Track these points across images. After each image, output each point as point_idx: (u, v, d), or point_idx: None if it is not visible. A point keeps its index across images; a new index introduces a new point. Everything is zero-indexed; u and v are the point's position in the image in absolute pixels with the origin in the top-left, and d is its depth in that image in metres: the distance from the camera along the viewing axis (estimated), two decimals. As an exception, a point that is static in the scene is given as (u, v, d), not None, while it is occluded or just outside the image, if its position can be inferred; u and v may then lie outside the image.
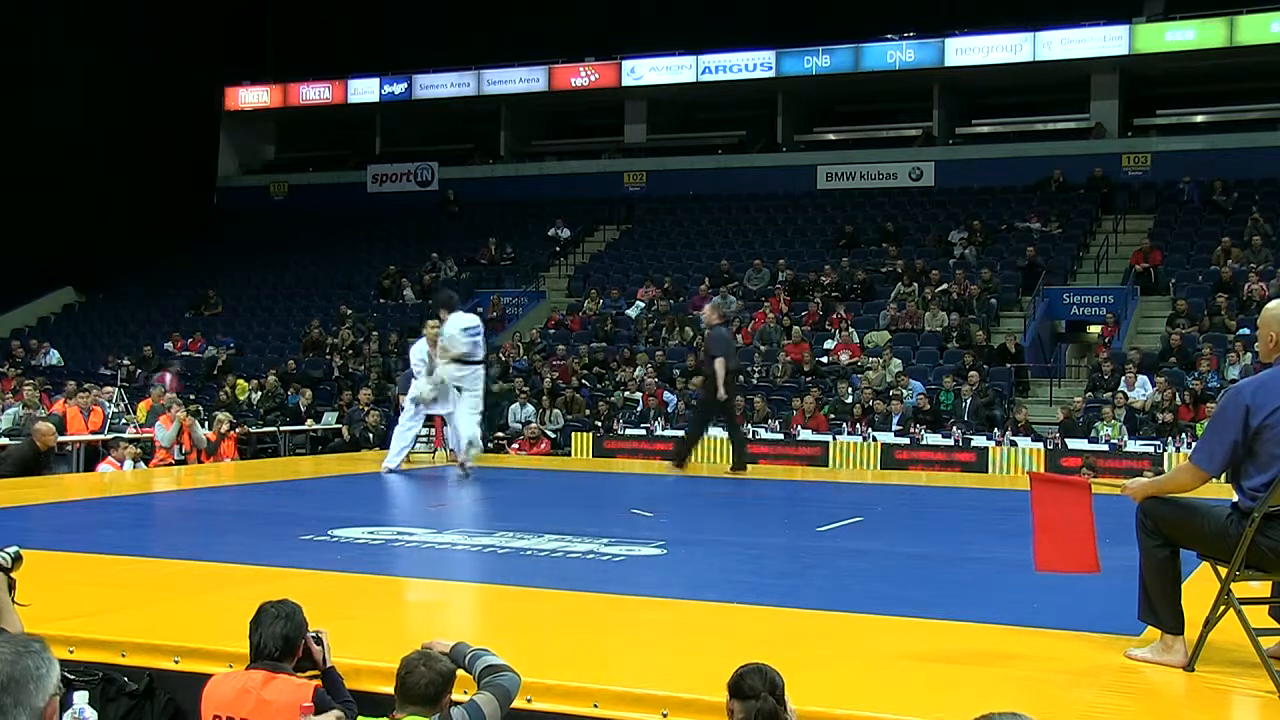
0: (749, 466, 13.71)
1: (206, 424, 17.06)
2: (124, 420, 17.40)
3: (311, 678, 4.55)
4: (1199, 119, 28.08)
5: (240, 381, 22.70)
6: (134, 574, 6.93)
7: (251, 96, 34.17)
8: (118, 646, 5.14)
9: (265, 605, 4.49)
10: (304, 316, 26.89)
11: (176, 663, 5.02)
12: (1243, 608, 4.74)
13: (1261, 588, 5.06)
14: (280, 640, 4.38)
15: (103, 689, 4.93)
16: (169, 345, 26.09)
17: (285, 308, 28.31)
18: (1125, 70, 27.42)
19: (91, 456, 16.23)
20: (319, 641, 4.63)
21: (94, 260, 29.48)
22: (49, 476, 12.54)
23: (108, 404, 17.37)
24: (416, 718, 4.09)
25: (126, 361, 23.91)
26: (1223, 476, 4.97)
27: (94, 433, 16.50)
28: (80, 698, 4.62)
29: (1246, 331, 18.86)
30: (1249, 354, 17.99)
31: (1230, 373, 18.10)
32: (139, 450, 15.51)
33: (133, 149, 28.75)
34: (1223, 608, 4.78)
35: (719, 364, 12.84)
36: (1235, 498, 4.82)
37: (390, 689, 4.61)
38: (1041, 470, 16.21)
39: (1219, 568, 4.83)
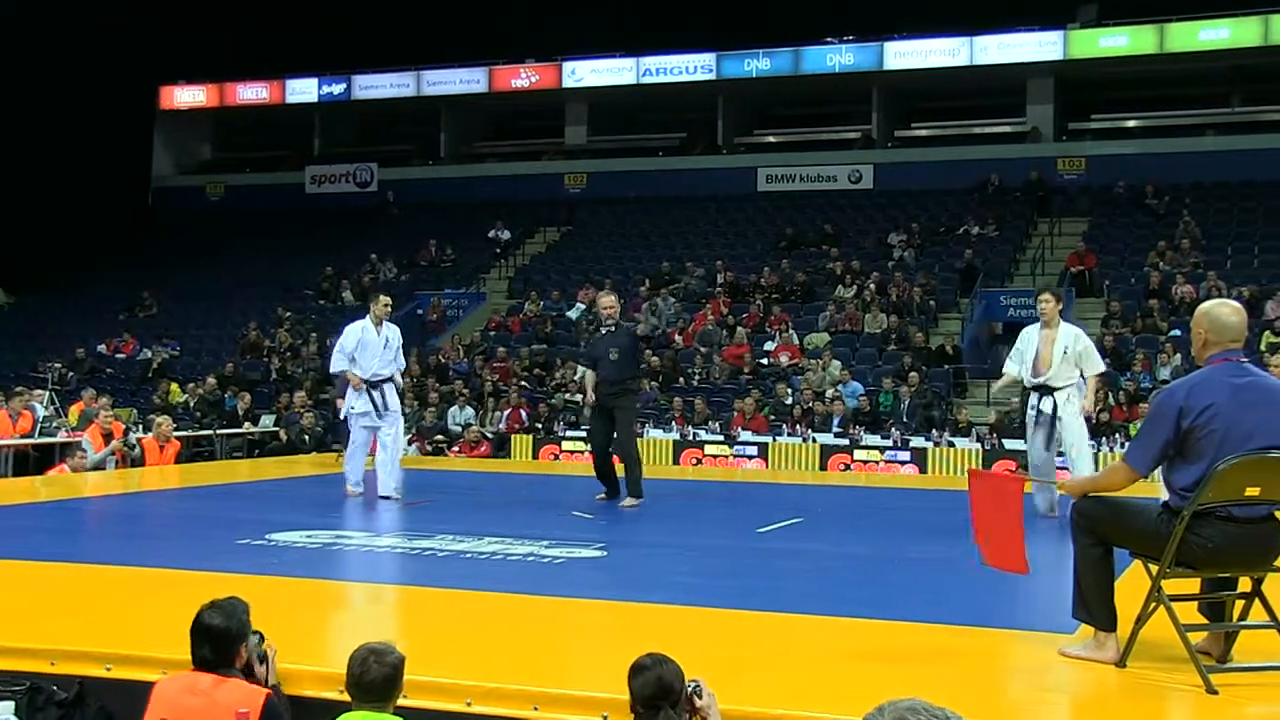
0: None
1: (140, 427, 16.70)
2: (55, 424, 17.08)
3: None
4: (1131, 124, 28.53)
5: (174, 385, 22.39)
6: (65, 580, 6.81)
7: (187, 96, 33.74)
8: (47, 655, 5.04)
9: (203, 608, 4.36)
10: (241, 319, 26.57)
11: (108, 670, 4.93)
12: (1173, 604, 4.81)
13: (1191, 584, 5.14)
14: (210, 648, 4.26)
15: (30, 698, 4.83)
16: (101, 348, 25.70)
17: (222, 310, 27.95)
18: (1060, 75, 27.82)
19: (21, 461, 15.91)
20: (264, 660, 4.54)
21: (24, 261, 28.91)
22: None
23: (39, 407, 17.04)
24: (372, 714, 4.08)
25: (58, 364, 23.51)
26: (1151, 476, 5.05)
27: (24, 436, 16.19)
28: (5, 708, 4.54)
29: (1177, 333, 19.18)
30: (1179, 355, 18.30)
31: (1162, 374, 18.39)
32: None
33: (64, 147, 28.24)
34: (1154, 605, 4.86)
35: None
36: (1165, 496, 4.90)
37: (328, 693, 4.58)
38: (980, 468, 16.37)
39: (1150, 565, 4.91)
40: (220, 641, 4.28)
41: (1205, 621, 5.10)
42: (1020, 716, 4.74)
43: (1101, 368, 9.97)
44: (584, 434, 18.43)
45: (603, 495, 11.04)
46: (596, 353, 11.22)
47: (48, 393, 18.15)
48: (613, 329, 11.08)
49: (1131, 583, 5.26)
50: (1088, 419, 10.34)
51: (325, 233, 30.07)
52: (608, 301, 11.39)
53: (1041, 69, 27.50)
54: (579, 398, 20.07)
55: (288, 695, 4.59)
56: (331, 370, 11.86)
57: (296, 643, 5.04)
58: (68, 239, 29.44)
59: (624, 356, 10.90)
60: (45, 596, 6.33)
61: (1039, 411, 9.73)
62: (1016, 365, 10.00)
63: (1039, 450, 9.78)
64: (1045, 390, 9.68)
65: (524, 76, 30.82)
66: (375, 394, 11.01)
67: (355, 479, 11.11)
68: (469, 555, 7.68)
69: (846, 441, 17.43)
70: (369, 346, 11.06)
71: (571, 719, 4.48)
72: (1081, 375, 9.90)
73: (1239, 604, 5.04)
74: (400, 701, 4.30)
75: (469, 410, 20.07)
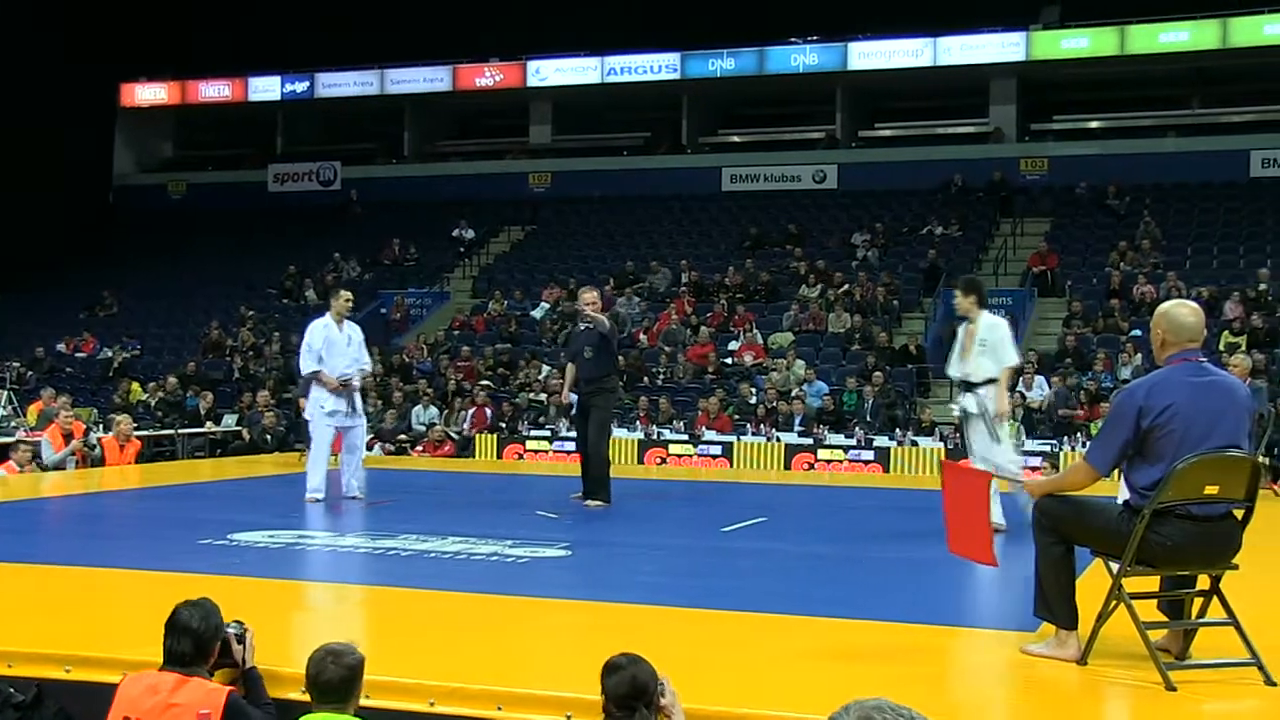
0: None
1: (100, 427, 16.53)
2: (13, 424, 16.90)
3: (230, 680, 4.46)
4: (1093, 125, 28.77)
5: (135, 385, 22.19)
6: (24, 581, 6.74)
7: (149, 93, 33.40)
8: (4, 657, 4.98)
9: (180, 605, 4.38)
10: (204, 318, 26.37)
11: (68, 672, 4.89)
12: (1133, 602, 4.86)
13: (1151, 583, 5.19)
14: (189, 643, 4.28)
15: (-14, 701, 4.78)
16: (61, 347, 25.45)
17: (184, 309, 27.73)
18: (1023, 76, 28.02)
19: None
20: (240, 640, 4.52)
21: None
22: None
23: (-3, 407, 16.88)
24: (332, 714, 4.08)
25: (16, 364, 23.25)
26: (1114, 474, 5.09)
27: (-19, 436, 16.01)
28: (-37, 711, 4.48)
29: (1138, 333, 19.36)
30: (1140, 354, 18.46)
31: (1123, 373, 18.54)
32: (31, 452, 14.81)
33: (24, 145, 27.91)
34: (1114, 603, 4.90)
35: None
36: (1125, 495, 4.94)
37: (291, 694, 4.55)
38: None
39: (1111, 564, 4.94)
40: (199, 639, 4.30)
41: (1165, 619, 5.14)
42: (983, 714, 4.78)
43: (1013, 360, 8.94)
44: (548, 433, 18.46)
45: (578, 495, 10.88)
46: (574, 349, 11.20)
47: (6, 392, 17.99)
48: (590, 325, 10.86)
49: (1092, 581, 5.30)
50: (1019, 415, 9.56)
51: (288, 231, 29.88)
52: (589, 297, 11.12)
53: (1004, 70, 27.68)
54: (544, 397, 20.09)
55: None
56: (302, 371, 11.24)
57: (258, 643, 5.00)
58: (27, 237, 29.05)
59: (597, 354, 10.75)
60: (2, 597, 6.25)
61: (962, 409, 9.04)
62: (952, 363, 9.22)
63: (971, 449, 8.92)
64: (966, 386, 8.95)
65: (488, 75, 30.74)
66: (344, 395, 10.74)
67: (316, 484, 10.50)
68: (433, 555, 7.65)
69: (810, 441, 17.47)
70: (334, 345, 10.72)
71: (535, 719, 4.47)
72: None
73: (1197, 601, 5.09)
74: (363, 702, 4.28)
75: (433, 410, 20.00)
